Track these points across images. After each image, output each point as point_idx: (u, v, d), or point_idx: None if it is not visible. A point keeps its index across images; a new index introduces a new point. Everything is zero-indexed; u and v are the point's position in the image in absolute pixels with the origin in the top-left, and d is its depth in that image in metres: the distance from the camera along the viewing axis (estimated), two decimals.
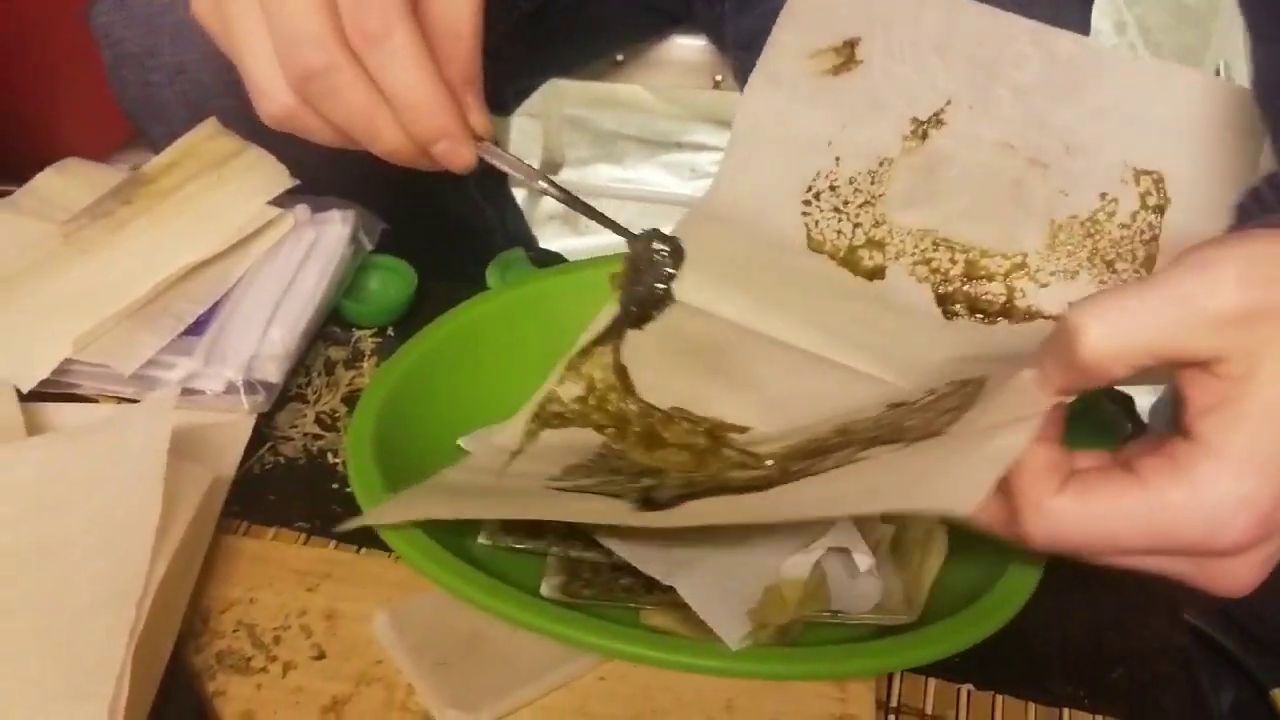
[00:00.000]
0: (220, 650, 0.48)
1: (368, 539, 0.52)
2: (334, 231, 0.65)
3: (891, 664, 0.46)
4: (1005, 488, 0.38)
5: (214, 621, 0.49)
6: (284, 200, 0.64)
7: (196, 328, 0.60)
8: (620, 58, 1.02)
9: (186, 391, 0.58)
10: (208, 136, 0.67)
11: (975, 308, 0.57)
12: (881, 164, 0.59)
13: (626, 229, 0.52)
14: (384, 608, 0.49)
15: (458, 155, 0.47)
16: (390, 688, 0.47)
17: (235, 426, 0.58)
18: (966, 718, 0.48)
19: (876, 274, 0.59)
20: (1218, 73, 1.68)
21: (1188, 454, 0.35)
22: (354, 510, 0.53)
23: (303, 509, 0.55)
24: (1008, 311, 0.57)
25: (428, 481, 0.50)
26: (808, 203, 0.60)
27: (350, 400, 0.61)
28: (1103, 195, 0.57)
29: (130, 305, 0.59)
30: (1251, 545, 0.35)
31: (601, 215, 0.52)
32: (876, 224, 0.59)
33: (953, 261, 0.58)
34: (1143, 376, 0.37)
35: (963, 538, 0.51)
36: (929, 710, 0.48)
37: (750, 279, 0.59)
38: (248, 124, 0.73)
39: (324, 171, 0.79)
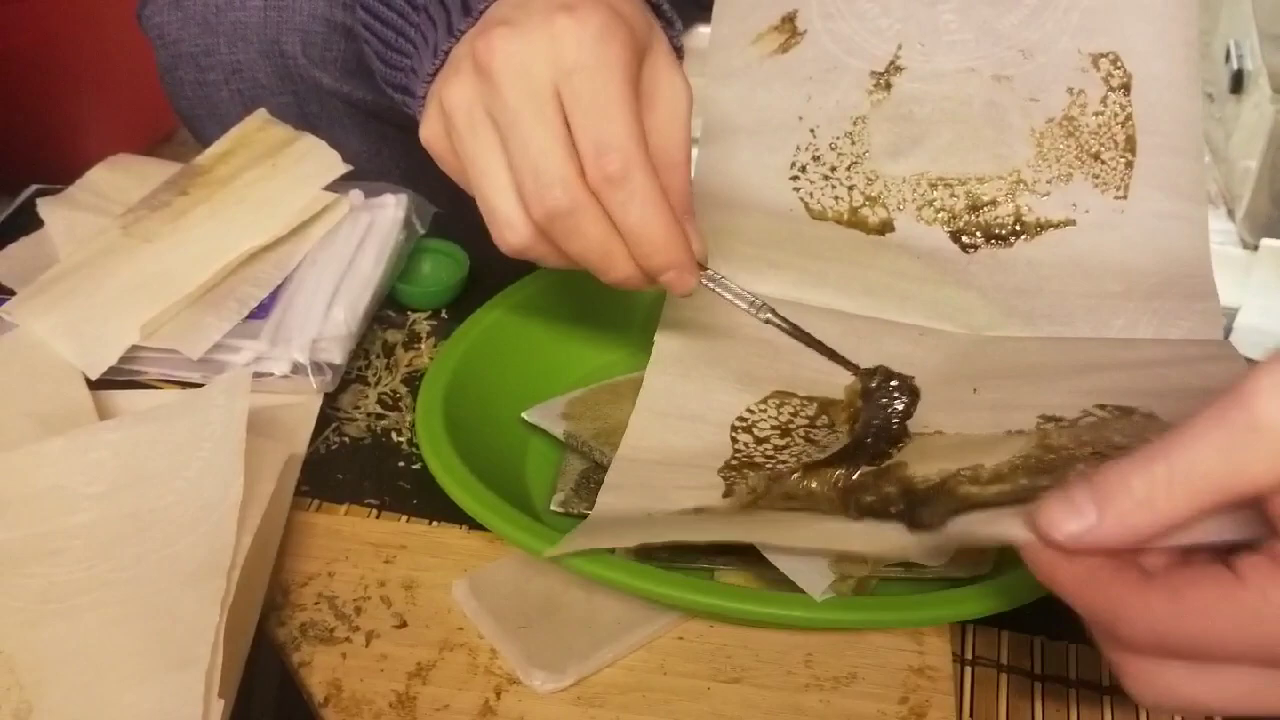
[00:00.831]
0: (303, 622, 0.49)
1: (441, 512, 0.53)
2: (388, 215, 0.66)
3: (969, 611, 0.47)
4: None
5: (295, 595, 0.50)
6: (338, 186, 0.65)
7: (260, 311, 0.61)
8: None
9: (254, 375, 0.58)
10: (259, 127, 0.68)
11: (990, 235, 0.58)
12: (855, 123, 0.59)
13: (856, 365, 0.51)
14: (462, 575, 0.50)
15: (683, 283, 0.48)
16: (473, 652, 0.48)
17: (303, 406, 0.58)
18: (1041, 667, 0.48)
19: (886, 228, 0.59)
20: (1228, 53, 1.68)
21: None
22: (423, 486, 0.54)
23: (371, 486, 0.56)
24: (1020, 230, 0.57)
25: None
26: (795, 178, 0.60)
27: (410, 381, 0.62)
28: (1070, 90, 0.57)
29: (195, 291, 0.60)
30: None
31: (832, 351, 0.51)
32: (870, 180, 0.59)
33: (954, 196, 0.58)
34: None
35: None
36: (1004, 661, 0.49)
37: (780, 256, 0.59)
38: (300, 119, 0.75)
39: (373, 159, 0.80)
